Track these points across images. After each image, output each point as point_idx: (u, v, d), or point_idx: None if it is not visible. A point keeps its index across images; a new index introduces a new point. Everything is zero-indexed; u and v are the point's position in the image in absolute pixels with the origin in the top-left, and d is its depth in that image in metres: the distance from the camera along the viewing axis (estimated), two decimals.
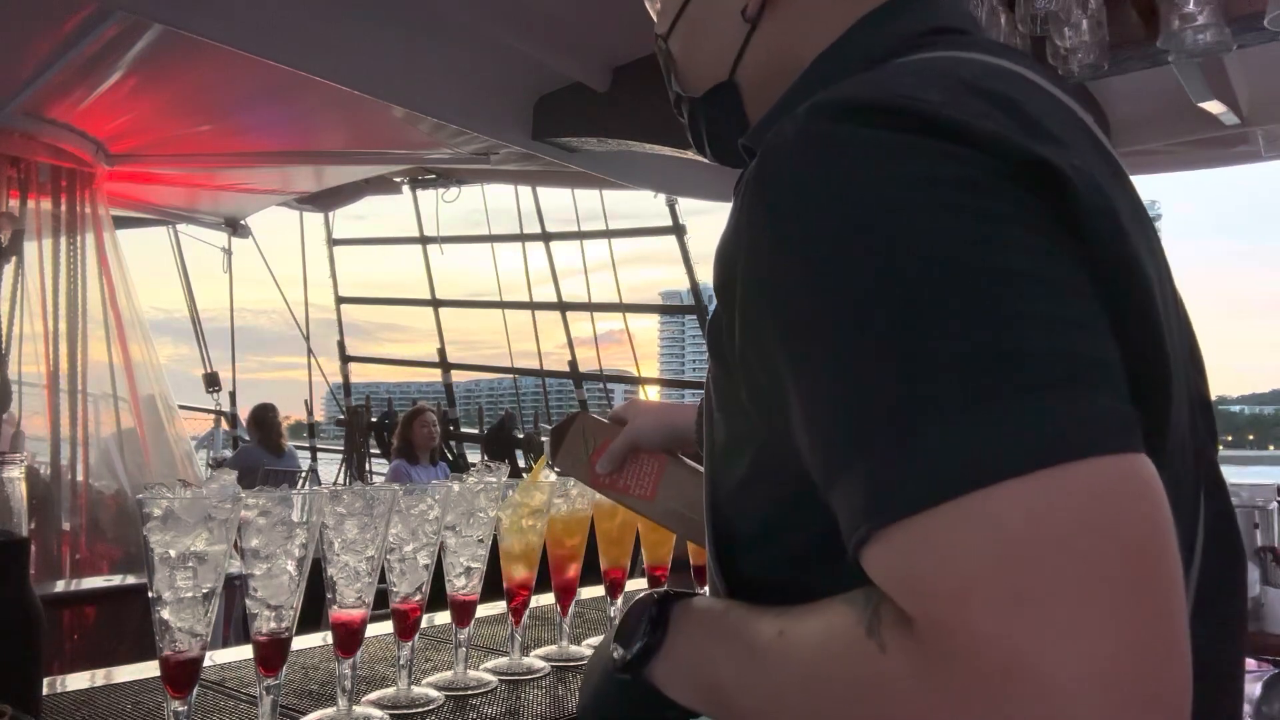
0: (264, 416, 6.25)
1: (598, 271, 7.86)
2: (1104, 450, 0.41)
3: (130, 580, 3.35)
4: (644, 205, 6.81)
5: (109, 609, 3.13)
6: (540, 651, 1.32)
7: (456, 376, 8.62)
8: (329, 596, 1.02)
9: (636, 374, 9.22)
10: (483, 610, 1.30)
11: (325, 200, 6.29)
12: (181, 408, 5.31)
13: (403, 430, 5.93)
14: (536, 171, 4.82)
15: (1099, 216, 0.48)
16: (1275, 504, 1.73)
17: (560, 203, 7.12)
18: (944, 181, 0.46)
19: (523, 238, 7.81)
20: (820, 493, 0.48)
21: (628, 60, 2.78)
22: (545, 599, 1.46)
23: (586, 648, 1.34)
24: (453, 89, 2.81)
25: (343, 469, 8.04)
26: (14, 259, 4.20)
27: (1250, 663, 1.57)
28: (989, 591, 0.39)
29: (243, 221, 6.64)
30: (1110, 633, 0.38)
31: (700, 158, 0.82)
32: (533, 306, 7.94)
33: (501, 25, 2.55)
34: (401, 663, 1.11)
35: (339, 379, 8.62)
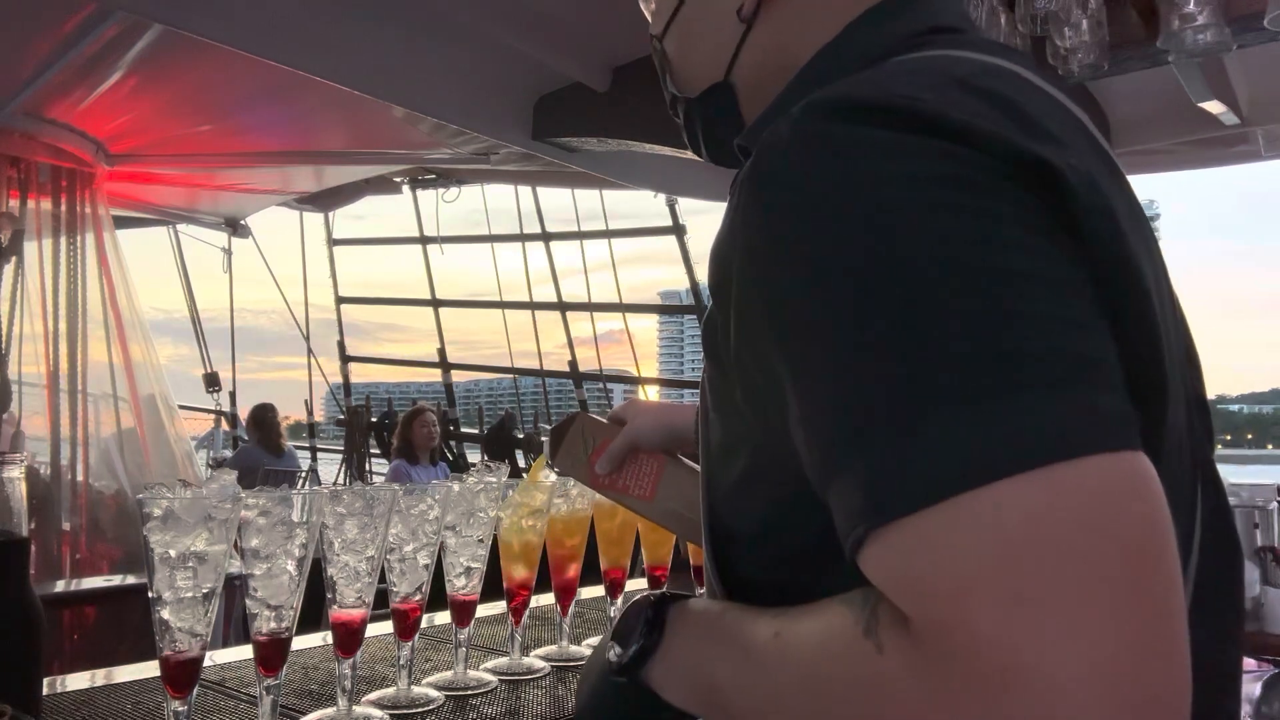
0: (263, 416, 6.25)
1: (598, 271, 7.86)
2: (1102, 449, 0.41)
3: (130, 580, 3.35)
4: (644, 205, 6.82)
5: (109, 609, 3.13)
6: (540, 651, 1.32)
7: (456, 376, 8.62)
8: (329, 596, 1.02)
9: (636, 374, 9.23)
10: (483, 610, 1.30)
11: (325, 200, 6.29)
12: (181, 408, 5.31)
13: (402, 430, 5.93)
14: (536, 171, 4.83)
15: (1096, 216, 0.48)
16: (1275, 504, 1.73)
17: (560, 203, 7.14)
18: (941, 180, 0.46)
19: (523, 238, 7.82)
20: (817, 493, 0.48)
21: (628, 60, 2.77)
22: (545, 599, 1.46)
23: (586, 648, 1.34)
24: (453, 89, 2.81)
25: (343, 469, 8.04)
26: (14, 259, 4.21)
27: (1250, 663, 1.57)
28: (987, 591, 0.39)
29: (243, 221, 6.65)
30: (1109, 632, 0.38)
31: (699, 158, 0.82)
32: (533, 306, 7.95)
33: (501, 25, 2.55)
34: (401, 663, 1.11)
35: (339, 379, 8.63)
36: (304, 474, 7.48)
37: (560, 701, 1.14)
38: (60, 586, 3.38)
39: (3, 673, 0.90)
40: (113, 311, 4.54)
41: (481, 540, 1.21)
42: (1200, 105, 2.34)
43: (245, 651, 1.21)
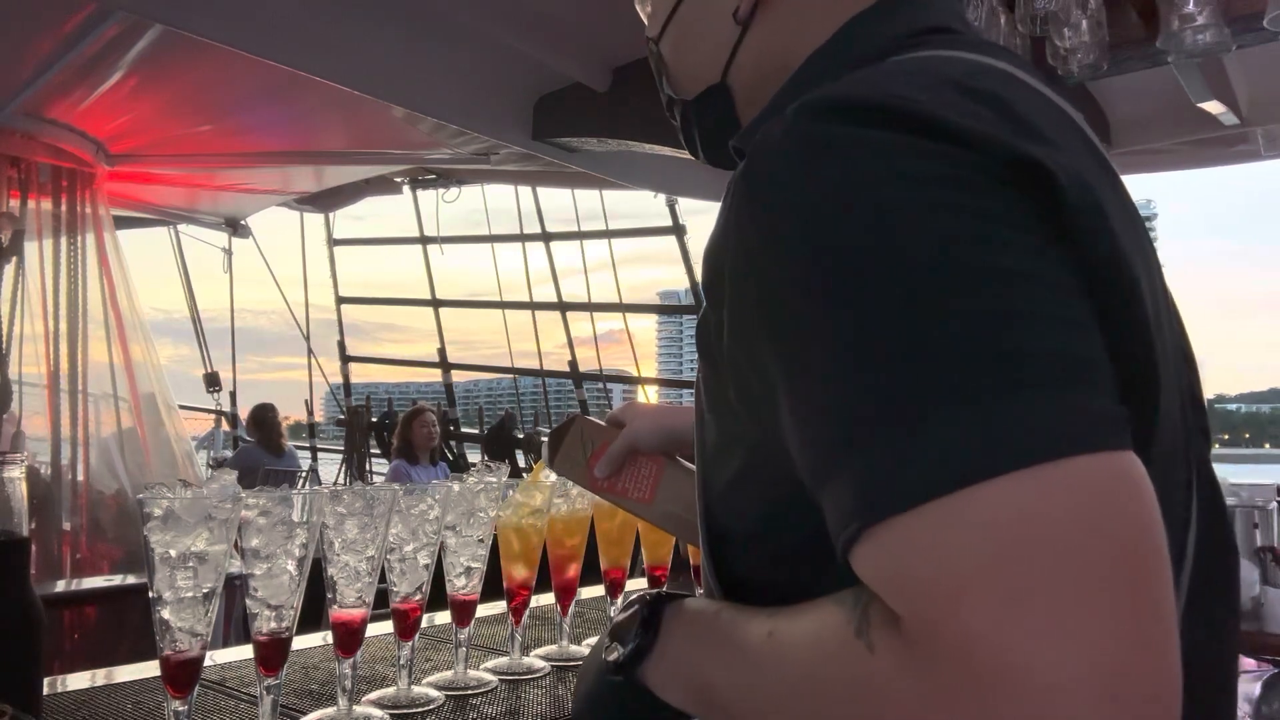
0: (264, 416, 6.25)
1: (598, 271, 7.87)
2: (1094, 448, 0.41)
3: (130, 580, 3.35)
4: (644, 205, 6.82)
5: (109, 609, 3.13)
6: (540, 651, 1.32)
7: (456, 376, 8.62)
8: (329, 596, 1.02)
9: (636, 374, 9.23)
10: (483, 610, 1.30)
11: (325, 200, 6.30)
12: (181, 408, 5.31)
13: (402, 430, 5.93)
14: (536, 171, 4.83)
15: (1087, 215, 0.48)
16: (1275, 504, 1.73)
17: (560, 203, 7.14)
18: (932, 180, 0.46)
19: (523, 238, 7.82)
20: (810, 492, 0.48)
21: (628, 60, 2.78)
22: (545, 599, 1.46)
23: (586, 648, 1.34)
24: (453, 89, 2.81)
25: (343, 469, 8.04)
26: (14, 259, 4.21)
27: (1250, 662, 1.57)
28: (978, 590, 0.39)
29: (243, 221, 6.65)
30: (1100, 631, 0.38)
31: (696, 160, 0.81)
32: (533, 306, 7.95)
33: (501, 25, 2.55)
34: (401, 662, 1.11)
35: (339, 379, 8.63)
36: (304, 474, 7.49)
37: (560, 701, 1.14)
38: (60, 586, 3.39)
39: (3, 673, 0.90)
40: (113, 311, 4.55)
41: (481, 540, 1.21)
42: (1200, 105, 2.35)
43: (245, 651, 1.21)
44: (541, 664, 1.26)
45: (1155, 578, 0.40)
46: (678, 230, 6.56)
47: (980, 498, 0.40)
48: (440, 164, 5.20)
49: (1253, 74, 2.39)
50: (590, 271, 7.75)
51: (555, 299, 7.76)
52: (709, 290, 0.56)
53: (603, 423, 1.09)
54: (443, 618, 1.46)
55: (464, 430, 8.17)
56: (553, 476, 1.29)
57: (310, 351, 8.54)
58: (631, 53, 2.72)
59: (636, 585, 1.55)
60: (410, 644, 1.12)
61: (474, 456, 7.75)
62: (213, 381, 7.65)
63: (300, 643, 1.27)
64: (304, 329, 8.44)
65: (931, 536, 0.41)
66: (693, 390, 0.68)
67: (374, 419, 7.98)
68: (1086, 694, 0.37)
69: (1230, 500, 1.70)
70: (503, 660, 1.26)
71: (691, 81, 0.75)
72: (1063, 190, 0.47)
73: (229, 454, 7.04)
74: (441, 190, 6.52)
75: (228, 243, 6.97)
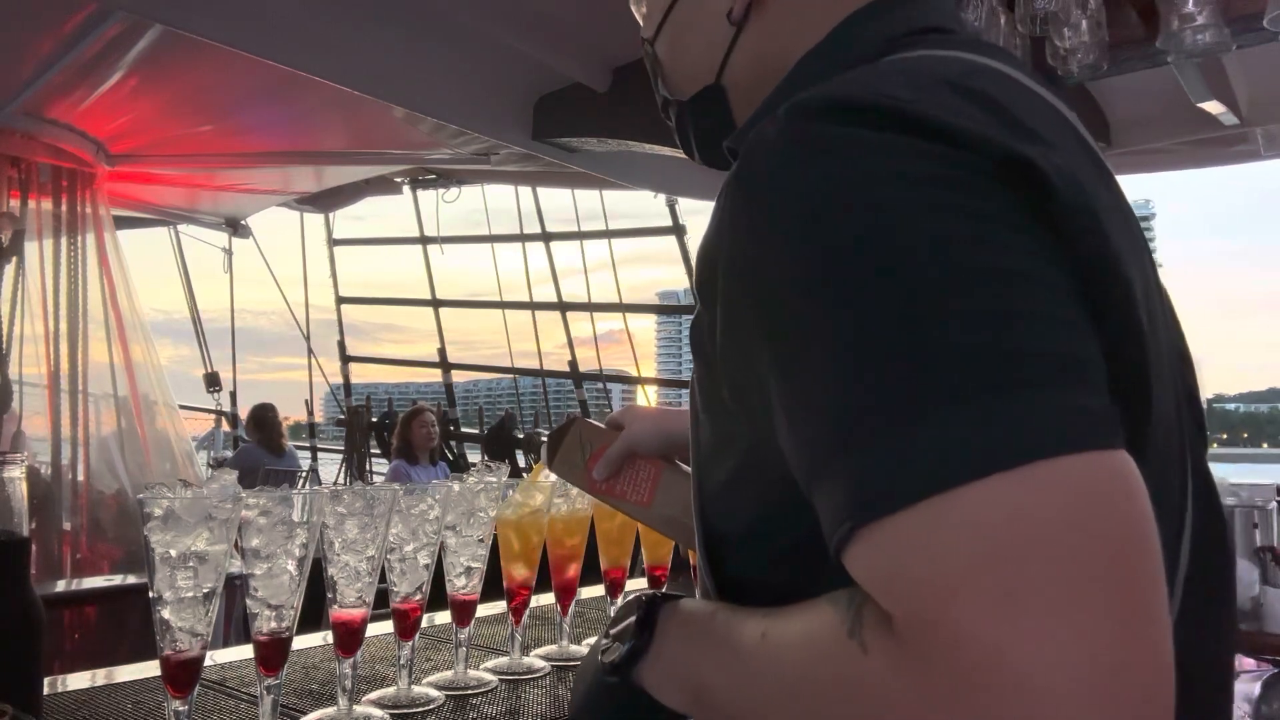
0: (264, 416, 6.25)
1: (598, 271, 7.87)
2: (1086, 447, 0.41)
3: (131, 580, 3.35)
4: (644, 205, 6.82)
5: (109, 609, 3.13)
6: (540, 651, 1.32)
7: (456, 377, 8.62)
8: (329, 596, 1.02)
9: (636, 374, 9.22)
10: (483, 610, 1.30)
11: (325, 200, 6.29)
12: (182, 408, 5.31)
13: (401, 430, 5.93)
14: (536, 172, 4.82)
15: (1079, 215, 0.48)
16: (1275, 503, 1.73)
17: (560, 203, 7.14)
18: (924, 179, 0.46)
19: (523, 238, 7.82)
20: (804, 492, 0.48)
21: (628, 60, 2.78)
22: (545, 599, 1.46)
23: (586, 648, 1.34)
24: (453, 89, 2.81)
25: (343, 469, 8.04)
26: (15, 259, 4.21)
27: (1250, 662, 1.57)
28: (970, 589, 0.39)
29: (243, 222, 6.65)
30: (1092, 630, 0.38)
31: (692, 160, 0.81)
32: (533, 306, 7.95)
33: (501, 25, 2.55)
34: (402, 662, 1.12)
35: (339, 379, 8.63)
36: (304, 474, 7.49)
37: (560, 701, 1.14)
38: (61, 586, 3.39)
39: (3, 673, 0.90)
40: (113, 311, 4.54)
41: (481, 540, 1.21)
42: (1200, 105, 2.35)
43: (246, 651, 1.21)
44: (541, 664, 1.26)
45: (1148, 576, 0.40)
46: (678, 230, 6.56)
47: (972, 497, 0.40)
48: (440, 164, 5.20)
49: (1253, 74, 2.39)
50: (590, 271, 7.76)
51: (555, 299, 7.76)
52: (702, 290, 0.56)
53: (602, 425, 1.09)
54: (443, 618, 1.46)
55: (464, 430, 8.17)
56: (553, 476, 1.29)
57: (310, 351, 8.54)
58: (631, 53, 2.72)
59: (636, 585, 1.55)
60: (410, 644, 1.12)
61: (474, 456, 7.75)
62: (213, 381, 7.65)
63: (300, 643, 1.27)
64: (304, 329, 8.45)
65: (924, 536, 0.41)
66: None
67: (374, 419, 7.98)
68: (1079, 693, 0.37)
69: (1230, 500, 1.70)
70: (503, 660, 1.26)
71: (686, 82, 0.75)
72: (1055, 190, 0.47)
73: (229, 454, 7.04)
74: (441, 190, 6.52)
75: (228, 243, 6.97)
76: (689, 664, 0.59)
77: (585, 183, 5.31)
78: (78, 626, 3.06)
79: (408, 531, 1.11)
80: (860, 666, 0.43)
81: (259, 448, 6.14)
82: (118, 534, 4.23)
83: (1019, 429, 0.41)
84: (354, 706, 1.03)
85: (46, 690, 1.06)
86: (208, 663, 0.95)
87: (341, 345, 8.61)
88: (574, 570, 1.35)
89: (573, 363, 7.64)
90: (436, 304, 8.41)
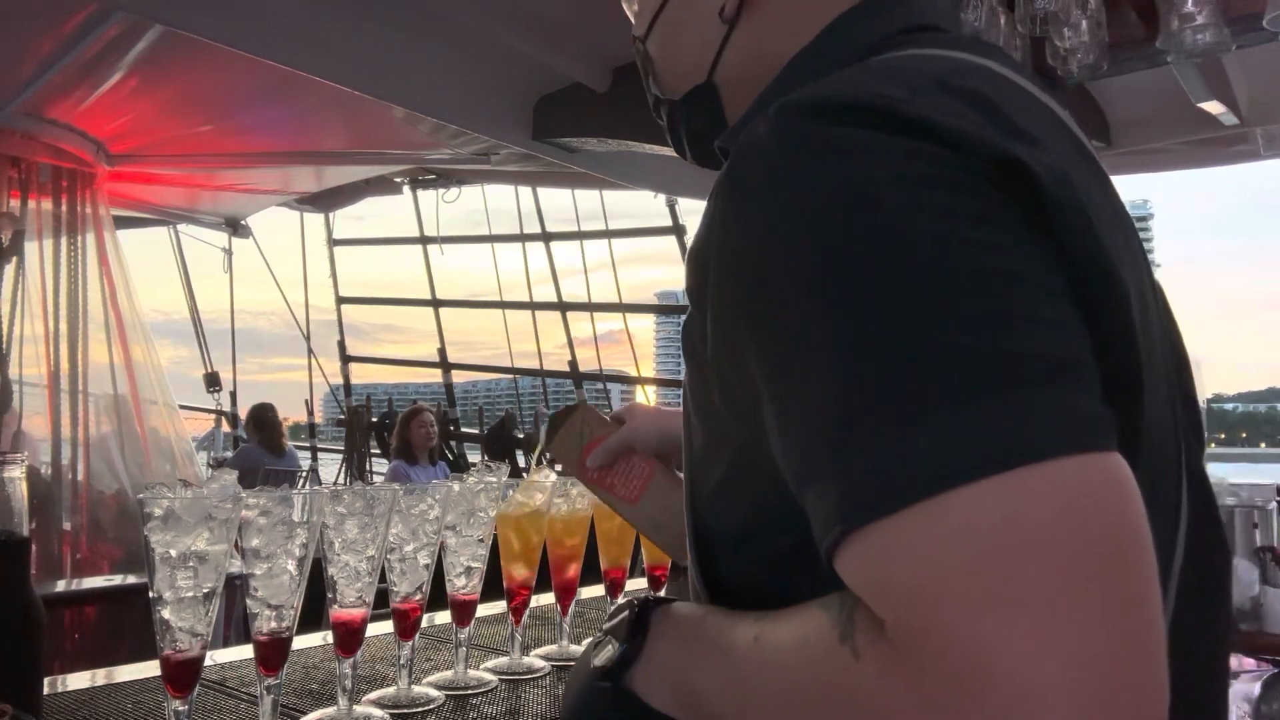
0: (264, 416, 6.25)
1: (598, 271, 7.87)
2: (1078, 450, 0.41)
3: (131, 580, 3.35)
4: (644, 205, 6.82)
5: (109, 609, 3.13)
6: (540, 651, 1.32)
7: (456, 377, 8.62)
8: (329, 596, 1.02)
9: (636, 374, 9.23)
10: (483, 610, 1.30)
11: (325, 200, 6.29)
12: (182, 408, 5.30)
13: (400, 430, 5.93)
14: (536, 172, 4.83)
15: (1070, 214, 0.48)
16: (1274, 503, 1.73)
17: (560, 203, 7.14)
18: (914, 179, 0.46)
19: (523, 238, 7.82)
20: (794, 495, 0.47)
21: (628, 60, 2.77)
22: (545, 599, 1.46)
23: (586, 646, 1.34)
24: (453, 89, 2.82)
25: (343, 469, 8.04)
26: (15, 259, 4.21)
27: (1249, 662, 1.57)
28: (960, 593, 0.39)
29: (243, 222, 6.64)
30: (1084, 634, 0.38)
31: (683, 160, 0.81)
32: (533, 306, 7.95)
33: (501, 25, 2.55)
34: (402, 662, 1.12)
35: (339, 379, 8.63)
36: (304, 474, 7.48)
37: (560, 702, 1.14)
38: (61, 586, 3.38)
39: (3, 673, 0.90)
40: (113, 311, 4.54)
41: (481, 540, 1.21)
42: (1199, 105, 2.35)
43: (246, 651, 1.21)
44: (541, 664, 1.26)
45: (1141, 579, 0.40)
46: (678, 230, 6.56)
47: (964, 500, 0.40)
48: (440, 164, 5.20)
49: (1252, 74, 2.39)
50: (590, 271, 7.76)
51: (555, 299, 7.76)
52: (693, 292, 0.55)
53: (606, 417, 1.09)
54: (443, 618, 1.46)
55: (464, 430, 8.18)
56: (553, 477, 1.29)
57: (310, 351, 8.54)
58: (631, 53, 2.72)
59: (636, 585, 1.55)
60: (410, 644, 1.12)
61: (474, 456, 7.75)
62: (213, 381, 7.65)
63: (300, 643, 1.27)
64: (304, 329, 8.45)
65: (915, 540, 0.41)
66: None
67: (374, 419, 7.98)
68: (1071, 697, 0.37)
69: (1229, 500, 1.70)
70: (503, 660, 1.27)
71: (678, 80, 0.74)
72: (1046, 189, 0.47)
73: (229, 454, 7.04)
74: (441, 190, 6.52)
75: (228, 243, 6.97)
76: (680, 668, 0.59)
77: (585, 183, 5.31)
78: (78, 626, 3.06)
79: (408, 531, 1.11)
80: (852, 672, 0.43)
81: (259, 448, 6.13)
82: (118, 534, 4.23)
83: (1011, 431, 0.41)
84: (354, 706, 1.03)
85: (46, 690, 1.07)
86: (208, 663, 0.95)
87: (341, 345, 8.61)
88: (574, 570, 1.35)
89: (573, 363, 7.64)
90: (436, 304, 8.42)
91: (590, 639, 0.70)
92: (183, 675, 0.88)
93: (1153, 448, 0.52)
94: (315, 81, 2.53)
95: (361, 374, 9.34)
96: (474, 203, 7.92)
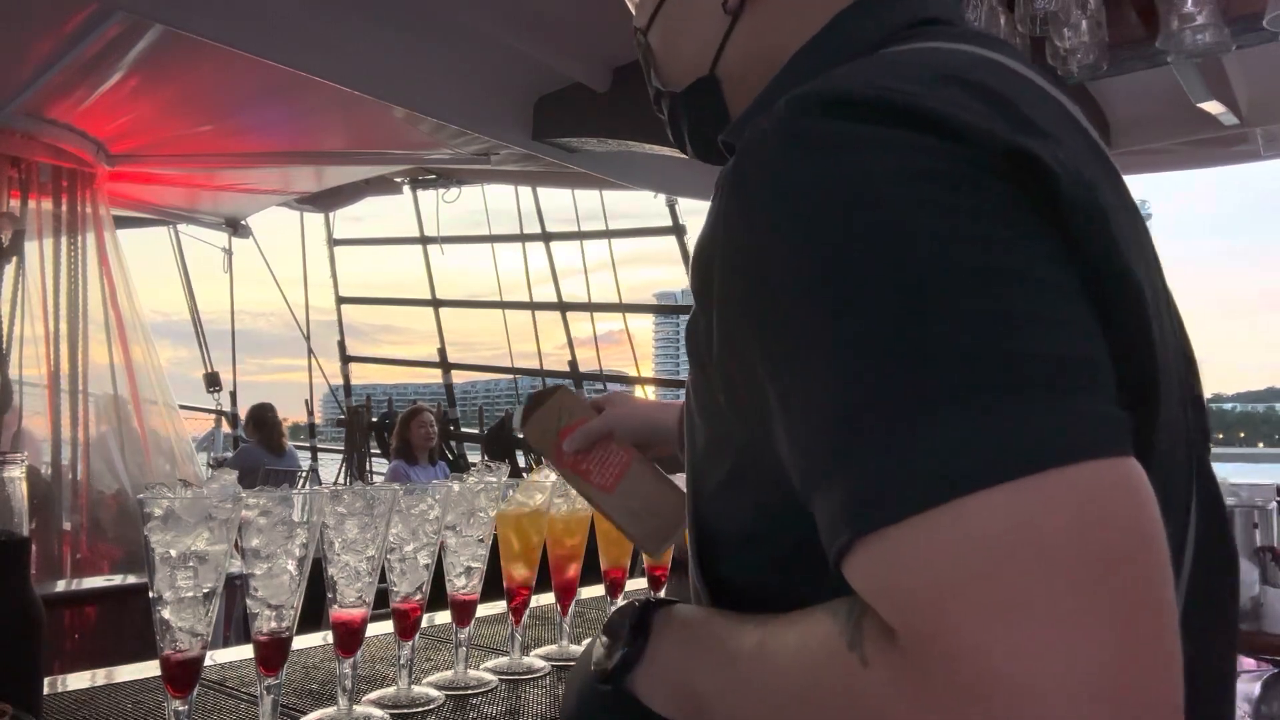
0: (263, 416, 6.25)
1: (598, 271, 7.87)
2: (1092, 455, 0.40)
3: (131, 580, 3.35)
4: (644, 205, 6.82)
5: (109, 609, 3.13)
6: (540, 651, 1.32)
7: (456, 377, 8.62)
8: (329, 596, 1.02)
9: (636, 374, 9.22)
10: (483, 610, 1.30)
11: (326, 200, 6.29)
12: (182, 408, 5.30)
13: (400, 431, 5.93)
14: (536, 172, 4.83)
15: (1085, 212, 0.47)
16: (1275, 503, 1.72)
17: (560, 203, 7.14)
18: (925, 176, 0.45)
19: (523, 238, 7.82)
20: (800, 498, 0.47)
21: (628, 60, 2.78)
22: (545, 599, 1.46)
23: (586, 646, 1.34)
24: (453, 89, 2.82)
25: (343, 469, 8.04)
26: (15, 259, 4.21)
27: (1249, 662, 1.57)
28: (972, 601, 0.38)
29: (243, 221, 6.65)
30: (1097, 642, 0.37)
31: (683, 154, 0.79)
32: (533, 307, 7.95)
33: (501, 25, 2.55)
34: (402, 662, 1.12)
35: (339, 380, 8.63)
36: (304, 474, 7.48)
37: (560, 702, 1.14)
38: (61, 586, 3.38)
39: (3, 673, 0.90)
40: (113, 311, 4.54)
41: (481, 540, 1.21)
42: (1199, 105, 2.35)
43: (246, 651, 1.21)
44: (541, 664, 1.26)
45: (1154, 585, 0.40)
46: (678, 230, 6.56)
47: (976, 507, 0.39)
48: (440, 164, 5.20)
49: (1252, 74, 2.39)
50: (590, 272, 7.76)
51: (555, 299, 7.76)
52: (698, 291, 0.55)
53: (586, 402, 1.07)
54: (443, 618, 1.46)
55: (464, 430, 8.17)
56: (552, 476, 1.28)
57: (310, 351, 8.54)
58: (632, 53, 2.71)
59: (637, 585, 1.55)
60: (410, 644, 1.12)
61: (474, 456, 7.75)
62: (213, 381, 7.65)
63: (300, 643, 1.27)
64: (304, 329, 8.45)
65: (926, 547, 0.40)
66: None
67: (374, 419, 7.98)
68: (1080, 706, 0.36)
69: (1230, 500, 1.70)
70: (503, 660, 1.26)
71: (680, 73, 0.73)
72: (1060, 185, 0.46)
73: (229, 454, 7.04)
74: (441, 190, 6.52)
75: (228, 243, 6.97)
76: (683, 672, 0.58)
77: (585, 183, 5.31)
78: (78, 626, 3.06)
79: (408, 531, 1.11)
80: (861, 679, 0.42)
81: (259, 447, 6.14)
82: (118, 534, 4.23)
83: (1025, 436, 0.40)
84: (354, 706, 1.03)
85: (46, 690, 1.06)
86: (208, 663, 0.95)
87: (341, 345, 8.61)
88: (574, 570, 1.35)
89: (573, 363, 7.64)
90: (436, 304, 8.41)
91: (590, 639, 0.69)
92: (183, 675, 0.88)
93: (1165, 451, 0.52)
94: (315, 81, 2.53)
95: (361, 374, 9.34)
96: (474, 203, 7.94)
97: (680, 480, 0.98)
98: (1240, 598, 1.64)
